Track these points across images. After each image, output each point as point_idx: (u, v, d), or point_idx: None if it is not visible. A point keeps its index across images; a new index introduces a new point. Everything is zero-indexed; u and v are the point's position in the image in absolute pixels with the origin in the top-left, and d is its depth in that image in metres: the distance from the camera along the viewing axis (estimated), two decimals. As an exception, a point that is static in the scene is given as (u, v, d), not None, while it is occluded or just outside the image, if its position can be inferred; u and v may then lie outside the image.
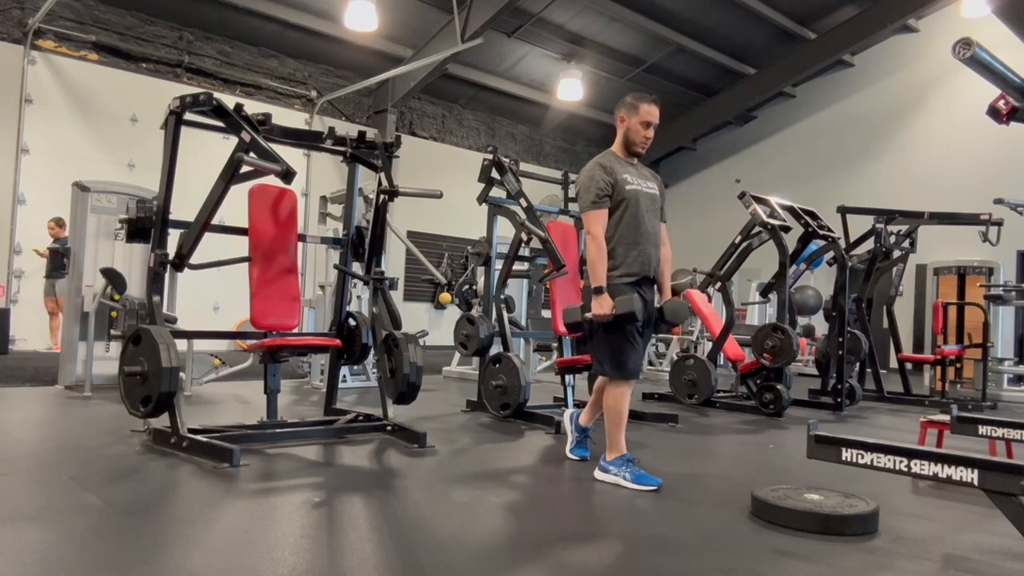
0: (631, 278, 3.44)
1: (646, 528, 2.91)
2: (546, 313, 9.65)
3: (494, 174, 5.52)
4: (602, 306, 3.35)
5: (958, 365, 8.32)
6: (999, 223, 7.55)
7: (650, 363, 9.83)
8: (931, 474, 2.44)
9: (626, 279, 3.43)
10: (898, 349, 8.13)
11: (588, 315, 3.40)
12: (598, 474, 3.49)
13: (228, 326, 9.86)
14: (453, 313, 9.91)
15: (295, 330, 4.43)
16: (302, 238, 4.63)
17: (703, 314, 7.10)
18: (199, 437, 3.69)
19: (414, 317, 12.83)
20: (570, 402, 5.63)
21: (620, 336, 3.41)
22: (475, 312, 6.11)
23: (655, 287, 3.58)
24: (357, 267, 4.85)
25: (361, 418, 4.54)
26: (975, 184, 11.85)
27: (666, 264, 3.68)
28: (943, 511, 3.27)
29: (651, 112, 3.49)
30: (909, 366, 8.22)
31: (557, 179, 6.54)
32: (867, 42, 13.43)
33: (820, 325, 10.18)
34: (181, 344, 5.20)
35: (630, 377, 3.45)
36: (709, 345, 7.42)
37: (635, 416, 5.60)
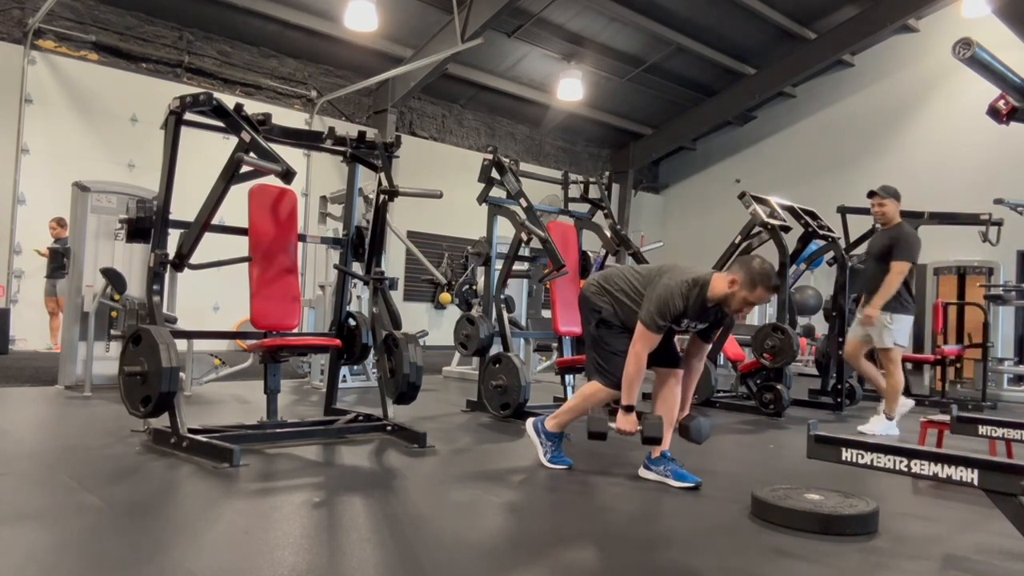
0: None
1: (646, 528, 2.91)
2: (546, 313, 9.64)
3: (494, 174, 5.52)
4: (629, 424, 3.46)
5: (958, 365, 8.31)
6: (999, 223, 7.54)
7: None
8: (931, 474, 2.44)
9: None
10: (898, 349, 8.12)
11: (613, 427, 3.52)
12: (643, 473, 3.58)
13: (228, 326, 9.85)
14: (453, 313, 9.91)
15: (295, 330, 4.43)
16: (302, 238, 4.63)
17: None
18: (199, 437, 3.69)
19: (414, 317, 12.82)
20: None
21: (618, 356, 3.51)
22: (475, 312, 6.11)
23: None
24: (357, 267, 4.85)
25: (361, 418, 4.54)
26: (975, 184, 11.84)
27: (695, 376, 3.74)
28: (943, 511, 3.27)
29: (763, 298, 3.39)
30: (909, 366, 8.19)
31: (557, 179, 6.54)
32: (867, 42, 13.42)
33: (820, 325, 10.17)
34: (181, 344, 5.19)
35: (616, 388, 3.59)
36: (712, 341, 7.40)
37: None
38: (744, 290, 3.30)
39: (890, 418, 5.36)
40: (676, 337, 3.71)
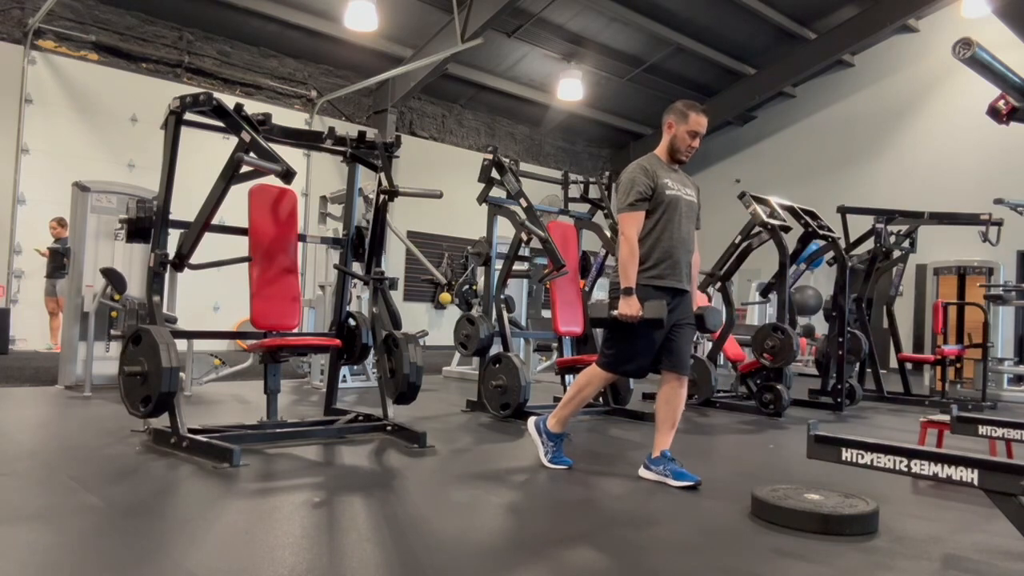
0: (660, 281, 3.47)
1: (646, 528, 2.91)
2: (546, 313, 9.64)
3: (494, 174, 5.52)
4: (630, 307, 3.37)
5: (958, 365, 8.32)
6: (999, 223, 7.55)
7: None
8: (931, 474, 2.44)
9: (656, 282, 3.47)
10: (898, 349, 8.13)
11: (615, 313, 3.42)
12: (643, 473, 3.56)
13: (228, 326, 9.87)
14: (453, 313, 9.91)
15: (295, 330, 4.43)
16: (302, 238, 4.63)
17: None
18: (199, 437, 3.69)
19: (414, 317, 12.83)
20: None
21: (634, 338, 3.45)
22: (475, 312, 6.11)
23: (683, 296, 3.57)
24: (357, 267, 4.85)
25: (361, 418, 4.54)
26: (975, 184, 11.85)
27: (695, 270, 3.73)
28: (943, 511, 3.27)
29: (700, 122, 3.52)
30: (909, 366, 8.22)
31: (557, 179, 6.54)
32: (867, 42, 13.43)
33: (820, 325, 10.18)
34: (181, 344, 5.20)
35: (624, 376, 3.55)
36: (709, 345, 7.42)
37: (635, 416, 5.61)
38: (681, 124, 3.52)
39: None
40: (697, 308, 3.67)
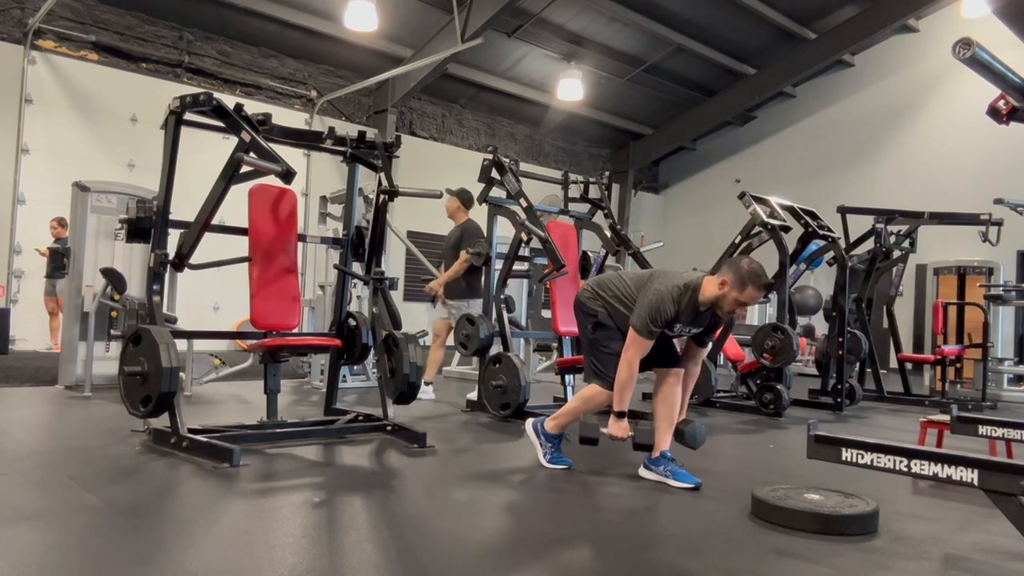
0: None
1: (646, 528, 2.91)
2: (546, 313, 9.63)
3: (494, 174, 5.52)
4: (621, 430, 3.45)
5: (958, 365, 8.32)
6: (999, 223, 7.55)
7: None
8: (931, 474, 2.44)
9: None
10: (898, 349, 8.13)
11: (604, 431, 3.51)
12: (643, 473, 3.60)
13: (228, 326, 9.86)
14: (453, 313, 9.86)
15: (295, 330, 4.43)
16: (302, 238, 4.63)
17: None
18: (199, 437, 3.69)
19: (414, 317, 12.81)
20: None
21: (615, 357, 3.50)
22: (475, 312, 6.10)
23: None
24: (357, 267, 4.85)
25: (361, 418, 4.54)
26: (975, 184, 11.85)
27: (691, 381, 3.72)
28: (943, 511, 3.27)
29: (754, 298, 3.38)
30: (909, 366, 8.22)
31: (557, 179, 6.54)
32: (867, 42, 13.43)
33: (820, 325, 10.18)
34: (181, 344, 5.20)
35: None
36: (709, 345, 7.42)
37: (636, 416, 5.59)
38: (735, 291, 3.33)
39: (428, 383, 6.29)
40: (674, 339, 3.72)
